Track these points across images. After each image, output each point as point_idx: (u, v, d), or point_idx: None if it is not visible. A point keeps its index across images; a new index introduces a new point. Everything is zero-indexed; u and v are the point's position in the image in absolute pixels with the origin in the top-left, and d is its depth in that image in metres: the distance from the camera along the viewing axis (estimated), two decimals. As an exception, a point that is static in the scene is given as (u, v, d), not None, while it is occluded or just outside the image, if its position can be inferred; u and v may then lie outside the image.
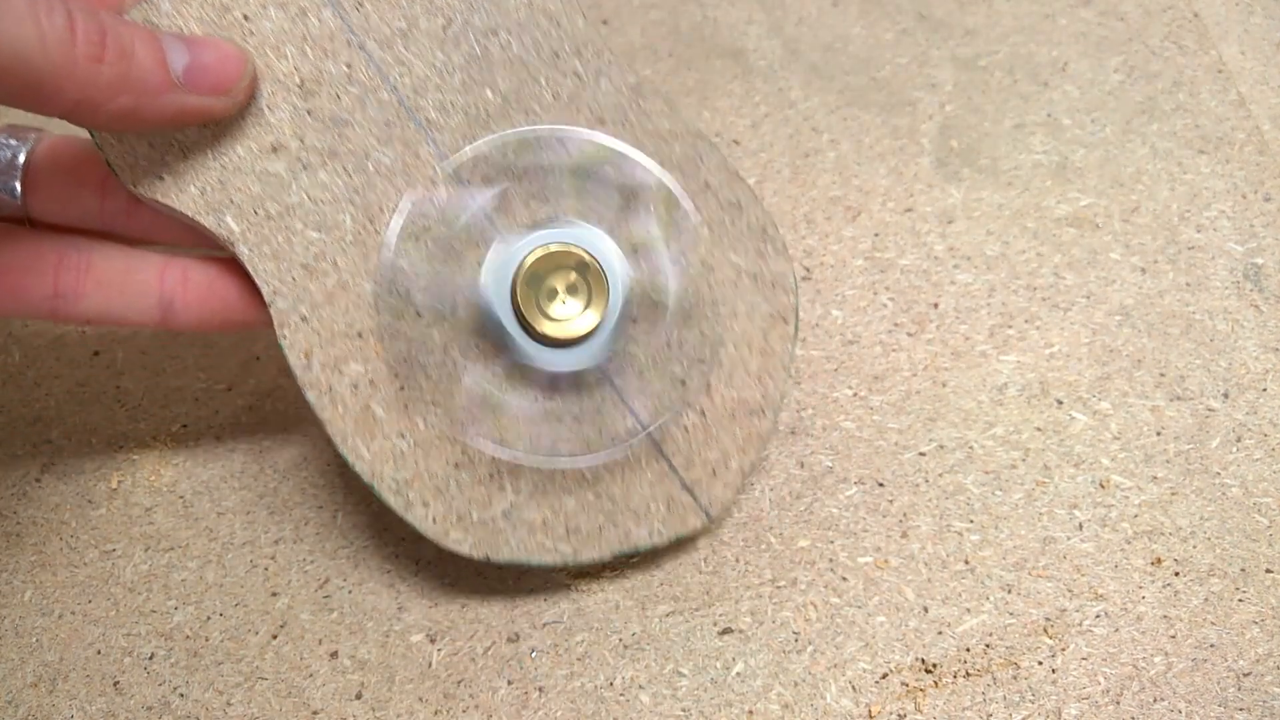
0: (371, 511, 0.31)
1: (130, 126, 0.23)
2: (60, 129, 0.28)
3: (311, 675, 0.28)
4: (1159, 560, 0.29)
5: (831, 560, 0.29)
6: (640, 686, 0.28)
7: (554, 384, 0.27)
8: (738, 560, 0.29)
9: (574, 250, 0.26)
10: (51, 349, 0.34)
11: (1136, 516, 0.30)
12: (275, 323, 0.26)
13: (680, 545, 0.29)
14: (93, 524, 0.31)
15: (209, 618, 0.29)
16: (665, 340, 0.27)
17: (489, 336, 0.26)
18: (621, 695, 0.27)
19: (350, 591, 0.29)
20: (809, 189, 0.36)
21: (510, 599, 0.29)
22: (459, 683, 0.28)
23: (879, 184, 0.36)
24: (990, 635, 0.28)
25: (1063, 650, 0.28)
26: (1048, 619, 0.28)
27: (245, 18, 0.25)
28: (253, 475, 0.31)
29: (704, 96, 0.38)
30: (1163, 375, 0.32)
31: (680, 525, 0.28)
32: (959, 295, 0.34)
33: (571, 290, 0.26)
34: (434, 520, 0.27)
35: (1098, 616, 0.28)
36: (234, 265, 0.26)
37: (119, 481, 0.31)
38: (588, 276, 0.26)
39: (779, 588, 0.29)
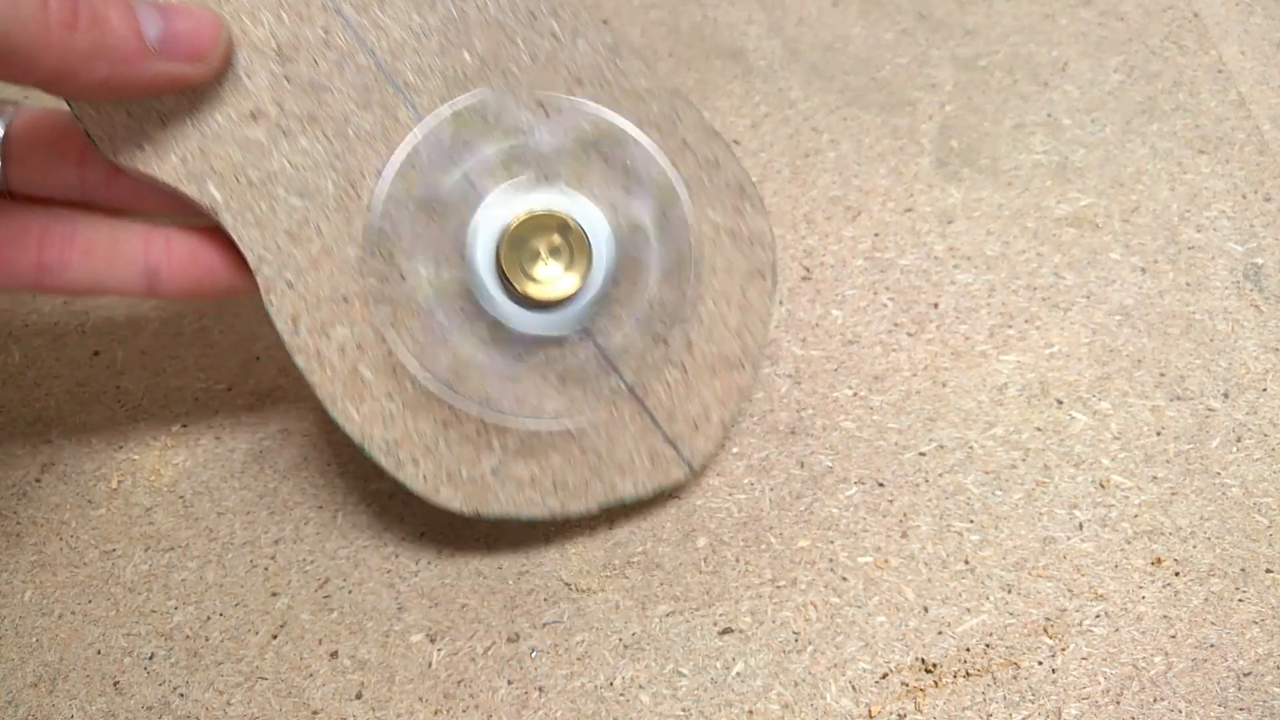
0: (372, 511, 0.31)
1: (107, 95, 0.23)
2: (38, 101, 0.28)
3: (311, 675, 0.28)
4: (1159, 560, 0.29)
5: (831, 560, 0.29)
6: (640, 686, 0.28)
7: (538, 344, 0.28)
8: (738, 560, 0.29)
9: (556, 213, 0.26)
10: (51, 349, 0.34)
11: (1136, 516, 0.30)
12: (261, 289, 0.26)
13: (663, 497, 0.30)
14: (93, 524, 0.31)
15: (209, 618, 0.29)
16: (646, 299, 0.28)
17: (473, 299, 0.27)
18: (621, 695, 0.27)
19: (350, 591, 0.29)
20: (809, 189, 0.36)
21: (510, 599, 0.29)
22: (459, 683, 0.28)
23: (879, 184, 0.36)
24: (990, 635, 0.28)
25: (1063, 650, 0.28)
26: (1048, 619, 0.28)
27: None
28: (253, 475, 0.31)
29: (704, 96, 0.38)
30: (1163, 375, 0.32)
31: (664, 477, 0.29)
32: (959, 295, 0.34)
33: (554, 253, 0.26)
34: (424, 478, 0.27)
35: (1098, 616, 0.28)
36: (218, 233, 0.26)
37: (119, 481, 0.31)
38: (570, 239, 0.26)
39: (779, 588, 0.29)
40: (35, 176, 0.26)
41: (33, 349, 0.34)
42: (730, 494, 0.30)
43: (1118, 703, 0.27)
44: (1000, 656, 0.28)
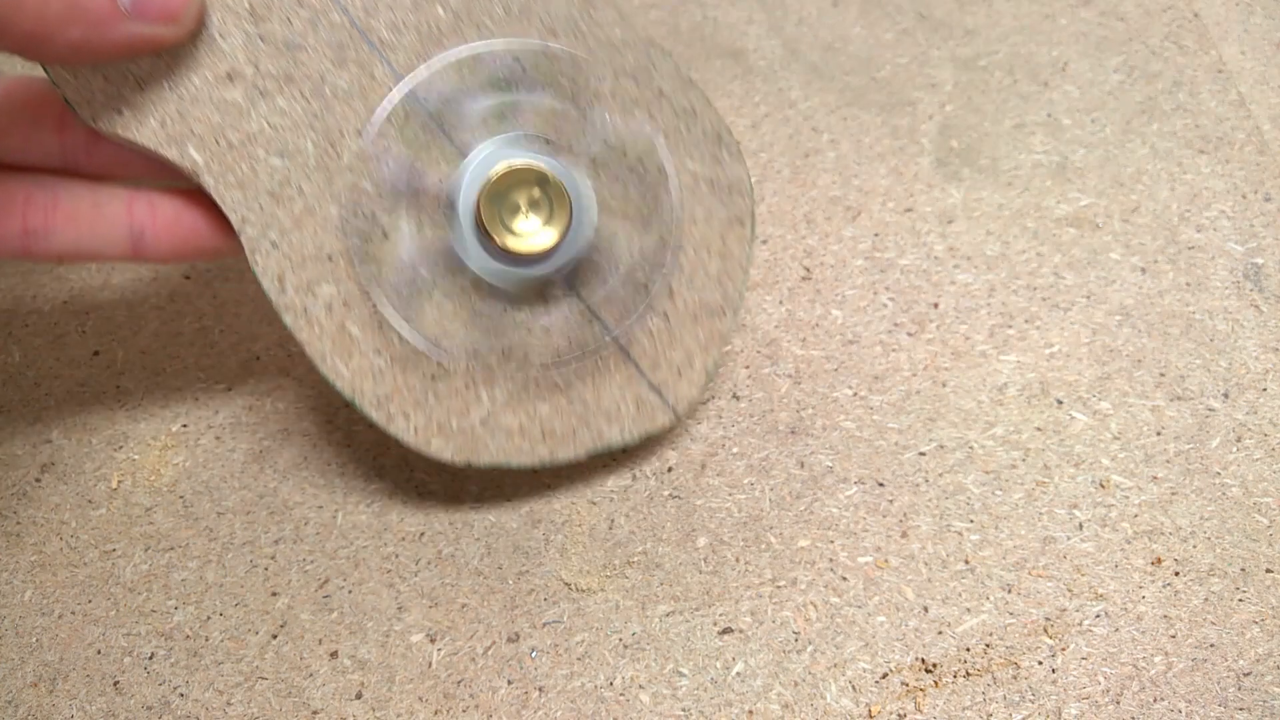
0: (372, 511, 0.31)
1: (82, 59, 0.23)
2: (13, 69, 0.28)
3: (311, 675, 0.28)
4: (1159, 560, 0.29)
5: (831, 560, 0.29)
6: (640, 686, 0.28)
7: (522, 296, 0.28)
8: (738, 560, 0.29)
9: (536, 167, 0.26)
10: (51, 349, 0.34)
11: (1136, 516, 0.30)
12: (246, 250, 0.26)
13: (650, 442, 0.30)
14: (93, 524, 0.31)
15: (209, 618, 0.29)
16: (627, 248, 0.28)
17: (456, 254, 0.27)
18: (621, 695, 0.27)
19: (350, 591, 0.29)
20: (809, 189, 0.36)
21: (510, 599, 0.29)
22: (459, 683, 0.28)
23: (879, 184, 0.36)
24: (990, 635, 0.28)
25: (1063, 650, 0.28)
26: (1048, 619, 0.28)
27: None
28: (253, 475, 0.31)
29: (704, 96, 0.38)
30: (1163, 375, 0.32)
31: (649, 423, 0.29)
32: (959, 295, 0.34)
33: (534, 206, 0.27)
34: (415, 431, 0.28)
35: (1098, 616, 0.28)
36: (201, 195, 0.26)
37: (119, 481, 0.31)
38: (549, 192, 0.27)
39: (779, 588, 0.29)
40: (14, 144, 0.26)
41: (33, 349, 0.34)
42: (730, 494, 0.30)
43: (1118, 703, 0.27)
44: (1000, 656, 0.28)
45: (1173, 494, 0.30)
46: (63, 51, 0.22)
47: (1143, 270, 0.34)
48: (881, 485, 0.30)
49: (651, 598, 0.29)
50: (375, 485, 0.31)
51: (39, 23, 0.21)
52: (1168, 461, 0.30)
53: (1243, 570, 0.29)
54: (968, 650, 0.28)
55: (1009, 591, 0.29)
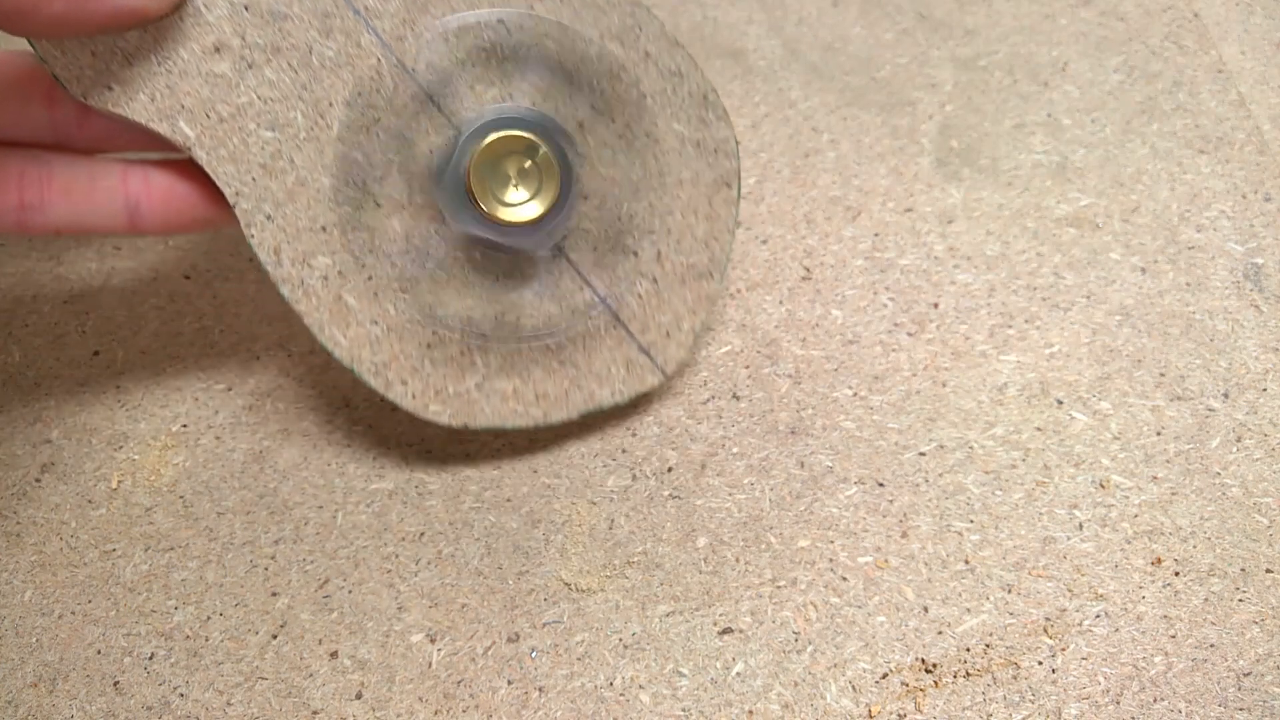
0: (371, 511, 0.31)
1: (68, 31, 0.23)
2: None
3: (311, 675, 0.28)
4: (1159, 560, 0.29)
5: (831, 560, 0.29)
6: (640, 686, 0.28)
7: (514, 264, 0.28)
8: (738, 560, 0.29)
9: (524, 136, 0.27)
10: (51, 349, 0.34)
11: (1136, 516, 0.30)
12: (241, 223, 0.26)
13: (640, 401, 0.31)
14: (93, 524, 0.31)
15: (209, 618, 0.29)
16: (616, 214, 0.28)
17: (446, 222, 0.27)
18: (621, 695, 0.27)
19: (350, 591, 0.29)
20: (809, 189, 0.36)
21: (510, 599, 0.29)
22: (459, 683, 0.28)
23: (879, 184, 0.36)
24: (990, 635, 0.28)
25: (1063, 650, 0.28)
26: (1048, 619, 0.28)
27: None
28: (253, 475, 0.31)
29: (704, 96, 0.38)
30: (1163, 375, 0.32)
31: (639, 384, 0.30)
32: (959, 295, 0.34)
33: (523, 175, 0.27)
34: (413, 396, 0.28)
35: (1098, 616, 0.28)
36: (195, 166, 0.26)
37: (119, 481, 0.31)
38: (538, 160, 0.27)
39: (779, 588, 0.29)
40: (5, 120, 0.26)
41: (33, 349, 0.34)
42: (730, 494, 0.30)
43: (1118, 703, 0.27)
44: (1000, 656, 0.28)
45: (1173, 494, 0.30)
46: (46, 25, 0.22)
47: (1143, 270, 0.34)
48: (881, 485, 0.30)
49: (651, 598, 0.29)
50: (375, 485, 0.31)
51: None
52: (1168, 461, 0.30)
53: (1243, 570, 0.29)
54: (968, 650, 0.28)
55: (1009, 591, 0.29)
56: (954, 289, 0.34)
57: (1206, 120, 0.37)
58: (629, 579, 0.29)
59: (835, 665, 0.28)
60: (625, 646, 0.28)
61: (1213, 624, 0.28)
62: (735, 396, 0.32)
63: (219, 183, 0.26)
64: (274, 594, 0.29)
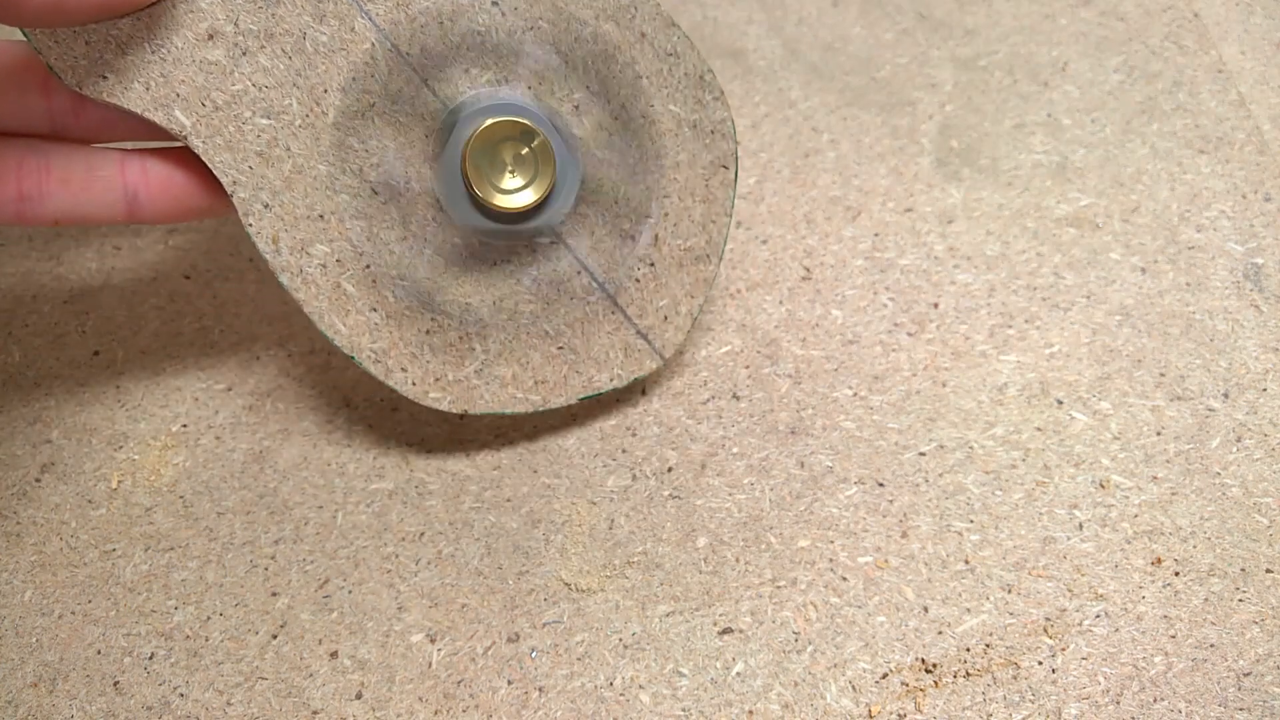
0: (371, 511, 0.31)
1: (58, 20, 0.23)
2: None
3: (311, 675, 0.28)
4: (1159, 560, 0.29)
5: (831, 560, 0.29)
6: (640, 686, 0.28)
7: (511, 250, 0.28)
8: (738, 560, 0.29)
9: (520, 121, 0.27)
10: (51, 349, 0.34)
11: (1136, 516, 0.30)
12: (239, 212, 0.26)
13: (637, 394, 0.31)
14: (93, 524, 0.31)
15: (209, 618, 0.29)
16: (613, 198, 0.28)
17: (444, 209, 0.27)
18: (621, 695, 0.27)
19: (350, 591, 0.29)
20: (809, 189, 0.36)
21: (510, 599, 0.29)
22: (459, 683, 0.28)
23: (879, 184, 0.36)
24: (990, 635, 0.28)
25: (1063, 650, 0.28)
26: (1048, 619, 0.28)
27: None
28: (253, 475, 0.31)
29: (704, 96, 0.38)
30: (1163, 375, 0.32)
31: (637, 368, 0.30)
32: (959, 295, 0.34)
33: (519, 161, 0.27)
34: (413, 383, 0.28)
35: (1098, 616, 0.28)
36: (192, 154, 0.26)
37: (119, 481, 0.31)
38: (534, 146, 0.27)
39: (779, 588, 0.29)
40: (2, 109, 0.26)
41: (33, 349, 0.34)
42: (730, 494, 0.30)
43: (1118, 703, 0.27)
44: (1000, 656, 0.28)
45: (1173, 494, 0.30)
46: (36, 13, 0.22)
47: (1143, 270, 0.34)
48: (881, 485, 0.30)
49: (651, 598, 0.29)
50: (375, 485, 0.31)
51: None
52: (1168, 461, 0.30)
53: (1243, 570, 0.29)
54: (968, 650, 0.28)
55: (1009, 591, 0.29)
56: (954, 289, 0.34)
57: (1206, 120, 0.37)
58: (629, 579, 0.29)
59: (835, 665, 0.28)
60: (625, 646, 0.28)
61: (1213, 624, 0.28)
62: (735, 396, 0.32)
63: (216, 171, 0.26)
64: (274, 594, 0.29)
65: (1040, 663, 0.27)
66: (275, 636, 0.29)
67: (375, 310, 0.28)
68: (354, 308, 0.27)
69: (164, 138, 0.26)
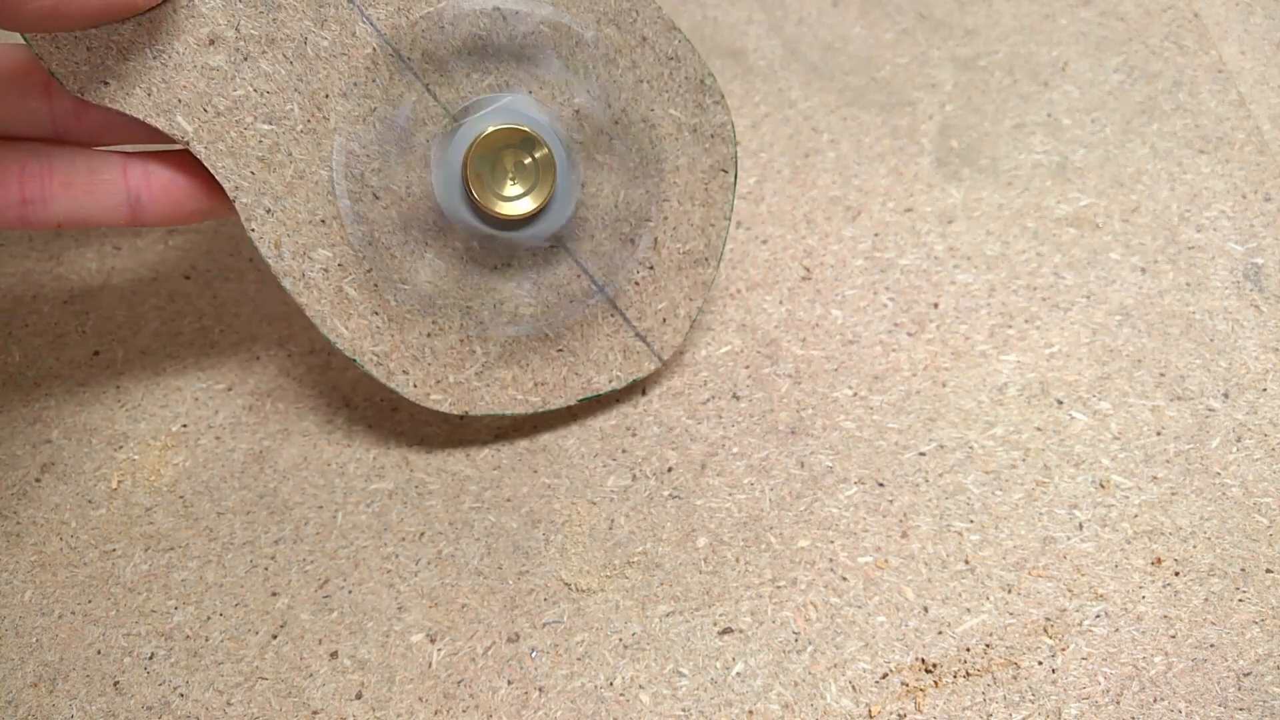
0: (371, 511, 0.31)
1: (57, 25, 0.23)
2: None
3: (311, 675, 0.28)
4: (1159, 560, 0.29)
5: (831, 560, 0.29)
6: (640, 686, 0.28)
7: (511, 253, 0.28)
8: (738, 560, 0.29)
9: (520, 128, 0.27)
10: (51, 349, 0.34)
11: (1136, 516, 0.30)
12: (241, 217, 0.27)
13: (637, 393, 0.32)
14: (93, 524, 0.31)
15: (209, 618, 0.29)
16: (613, 202, 0.29)
17: (446, 214, 0.27)
18: (621, 695, 0.27)
19: (350, 591, 0.29)
20: (809, 189, 0.36)
21: (510, 599, 0.29)
22: (459, 683, 0.28)
23: (879, 184, 0.36)
24: (990, 635, 0.28)
25: (1063, 650, 0.28)
26: (1048, 619, 0.28)
27: None
28: (253, 475, 0.31)
29: (704, 96, 0.38)
30: (1163, 375, 0.32)
31: (636, 369, 0.30)
32: (959, 295, 0.34)
33: (520, 167, 0.27)
34: (414, 385, 0.28)
35: (1098, 616, 0.28)
36: (194, 157, 0.26)
37: (119, 481, 0.31)
38: (534, 152, 0.27)
39: (779, 588, 0.29)
40: (4, 113, 0.26)
41: (33, 349, 0.34)
42: (730, 494, 0.30)
43: (1118, 703, 0.27)
44: (1000, 656, 0.28)
45: (1173, 494, 0.30)
46: (35, 18, 0.22)
47: (1143, 270, 0.34)
48: (881, 485, 0.30)
49: (651, 598, 0.29)
50: (375, 485, 0.31)
51: None
52: (1168, 461, 0.30)
53: (1243, 570, 0.29)
54: (968, 650, 0.28)
55: (1009, 591, 0.29)
56: (954, 289, 0.34)
57: (1206, 120, 0.37)
58: (629, 579, 0.29)
59: (835, 665, 0.28)
60: (625, 646, 0.28)
61: (1213, 624, 0.28)
62: (735, 396, 0.32)
63: (218, 177, 0.26)
64: (274, 594, 0.29)
65: (1040, 663, 0.27)
66: (275, 636, 0.29)
67: (377, 314, 0.28)
68: (356, 311, 0.28)
69: (166, 140, 0.26)
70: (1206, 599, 0.28)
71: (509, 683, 0.28)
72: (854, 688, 0.27)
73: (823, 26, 0.41)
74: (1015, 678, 0.27)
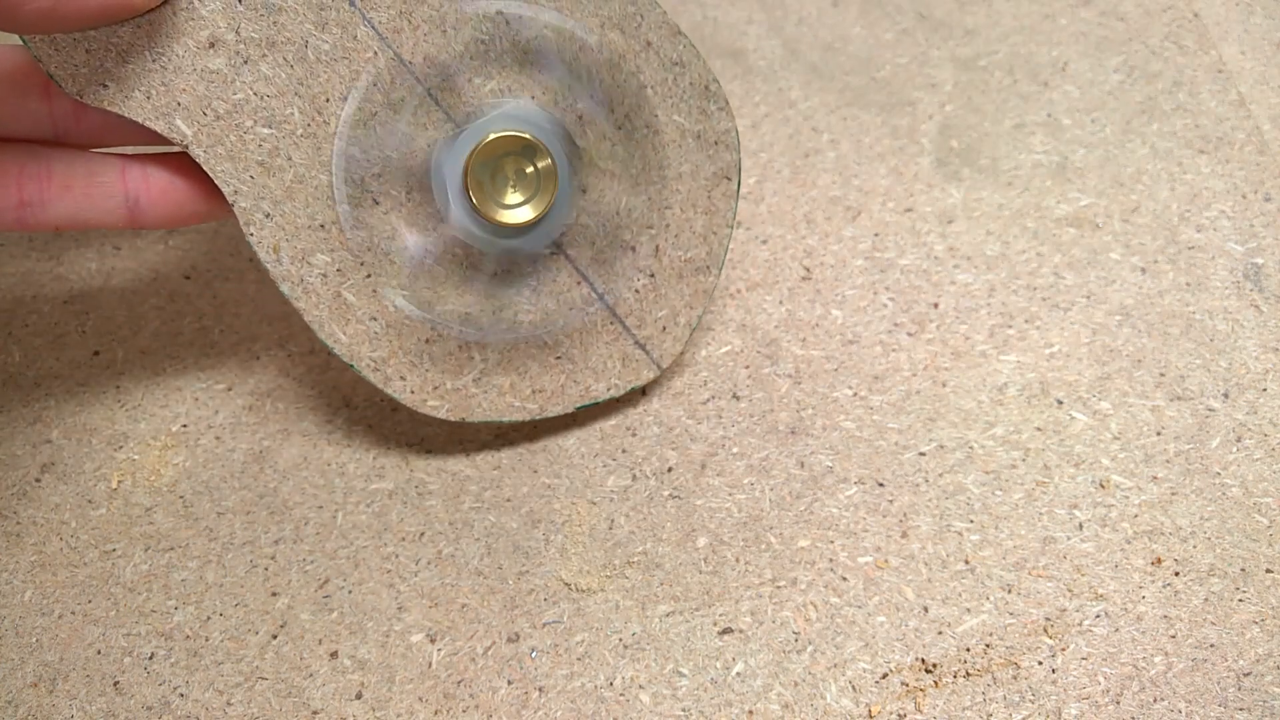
0: (371, 511, 0.31)
1: (55, 26, 0.23)
2: None
3: (311, 675, 0.28)
4: (1159, 560, 0.29)
5: (831, 560, 0.29)
6: (640, 686, 0.28)
7: (511, 260, 0.28)
8: (738, 560, 0.29)
9: (522, 136, 0.26)
10: (51, 349, 0.34)
11: (1136, 516, 0.30)
12: (240, 221, 0.26)
13: (637, 398, 0.31)
14: (93, 524, 0.31)
15: (209, 618, 0.29)
16: (615, 209, 0.28)
17: (446, 221, 0.27)
18: (621, 695, 0.27)
19: (350, 591, 0.29)
20: (809, 189, 0.36)
21: (510, 599, 0.29)
22: (459, 683, 0.28)
23: (879, 184, 0.36)
24: (990, 635, 0.28)
25: (1063, 650, 0.28)
26: (1048, 619, 0.28)
27: None
28: (253, 475, 0.31)
29: (704, 96, 0.38)
30: (1163, 375, 0.32)
31: (635, 377, 0.30)
32: (959, 295, 0.34)
33: (521, 175, 0.27)
34: (411, 391, 0.28)
35: (1098, 616, 0.28)
36: (193, 160, 0.26)
37: (119, 481, 0.31)
38: (536, 160, 0.27)
39: (779, 588, 0.29)
40: (3, 115, 0.26)
41: (33, 349, 0.34)
42: (730, 494, 0.30)
43: (1118, 703, 0.27)
44: (1000, 656, 0.28)
45: (1173, 494, 0.30)
46: (33, 20, 0.22)
47: (1143, 270, 0.34)
48: (881, 485, 0.30)
49: (651, 598, 0.29)
50: (375, 485, 0.31)
51: None
52: (1168, 461, 0.30)
53: (1243, 570, 0.29)
54: (968, 650, 0.28)
55: (1009, 591, 0.29)
56: (954, 289, 0.34)
57: (1206, 120, 0.37)
58: (629, 579, 0.29)
59: (835, 665, 0.28)
60: (625, 646, 0.28)
61: (1213, 624, 0.28)
62: (735, 396, 0.32)
63: (217, 180, 0.26)
64: (274, 594, 0.29)
65: (1040, 663, 0.27)
66: (275, 636, 0.29)
67: (375, 319, 0.28)
68: (354, 317, 0.27)
69: (166, 143, 0.26)
70: (1206, 599, 0.28)
71: (509, 683, 0.28)
72: (854, 688, 0.27)
73: (823, 26, 0.41)
74: (1015, 678, 0.27)
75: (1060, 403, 0.32)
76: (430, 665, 0.28)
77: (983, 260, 0.34)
